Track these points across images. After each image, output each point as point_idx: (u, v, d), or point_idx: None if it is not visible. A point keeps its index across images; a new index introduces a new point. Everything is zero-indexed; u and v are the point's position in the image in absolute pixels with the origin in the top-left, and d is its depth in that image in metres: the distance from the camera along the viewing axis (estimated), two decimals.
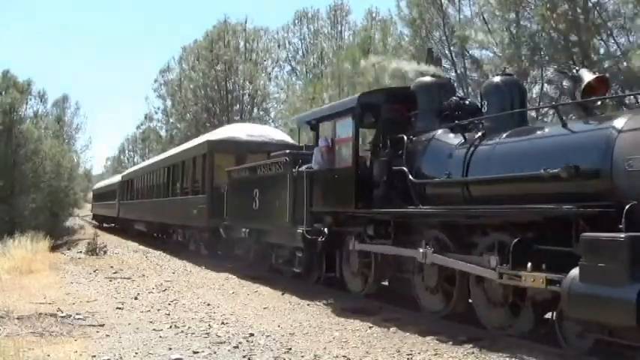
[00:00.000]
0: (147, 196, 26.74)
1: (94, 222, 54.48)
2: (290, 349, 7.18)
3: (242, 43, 39.11)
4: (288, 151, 13.00)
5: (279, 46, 38.86)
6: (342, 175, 10.25)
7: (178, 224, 21.05)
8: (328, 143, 10.83)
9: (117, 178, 39.98)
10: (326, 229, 10.73)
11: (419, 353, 6.98)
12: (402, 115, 9.96)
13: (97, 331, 8.05)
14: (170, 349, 7.08)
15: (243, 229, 14.20)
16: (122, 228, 36.23)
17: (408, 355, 6.91)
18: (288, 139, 18.46)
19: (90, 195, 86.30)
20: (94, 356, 6.65)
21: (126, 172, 38.94)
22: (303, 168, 11.50)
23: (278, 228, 12.53)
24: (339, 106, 10.90)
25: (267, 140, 17.47)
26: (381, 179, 9.55)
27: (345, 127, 10.25)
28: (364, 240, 9.95)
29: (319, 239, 10.72)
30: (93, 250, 20.76)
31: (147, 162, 32.35)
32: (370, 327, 8.50)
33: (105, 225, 46.11)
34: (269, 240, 13.33)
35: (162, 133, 49.44)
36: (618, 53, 14.71)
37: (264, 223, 13.25)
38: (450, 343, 7.42)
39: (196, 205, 17.96)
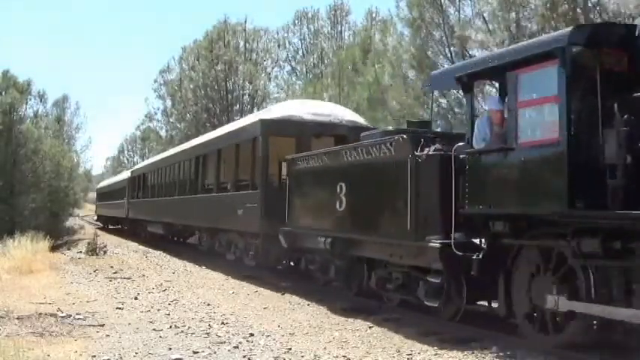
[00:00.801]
0: (165, 194, 23.13)
1: (98, 223, 52.22)
2: (290, 349, 7.19)
3: (242, 43, 39.13)
4: (405, 128, 9.82)
5: (279, 46, 38.91)
6: (537, 155, 6.63)
7: (209, 227, 17.37)
8: (502, 108, 7.40)
9: (125, 174, 37.10)
10: (483, 243, 7.41)
11: (419, 353, 6.98)
12: (626, 65, 6.69)
13: (97, 331, 8.05)
14: (170, 349, 7.08)
15: (322, 239, 10.40)
16: (132, 230, 32.64)
17: (408, 355, 6.92)
18: (361, 120, 14.77)
19: (91, 195, 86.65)
20: (94, 356, 6.65)
21: (137, 166, 35.79)
22: (432, 150, 8.06)
23: (385, 238, 8.91)
24: (526, 48, 7.02)
25: (336, 121, 13.66)
26: (620, 162, 5.98)
27: (541, 81, 6.69)
28: (565, 259, 6.45)
29: (475, 257, 7.27)
30: (93, 250, 20.76)
31: (164, 154, 27.31)
32: (370, 327, 8.50)
33: (110, 227, 43.95)
34: (364, 254, 9.74)
35: (162, 133, 49.43)
36: None
37: (356, 231, 9.68)
38: (450, 343, 7.42)
39: (242, 203, 14.13)
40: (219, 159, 16.84)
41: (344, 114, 14.38)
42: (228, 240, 15.94)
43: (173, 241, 25.13)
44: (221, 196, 16.23)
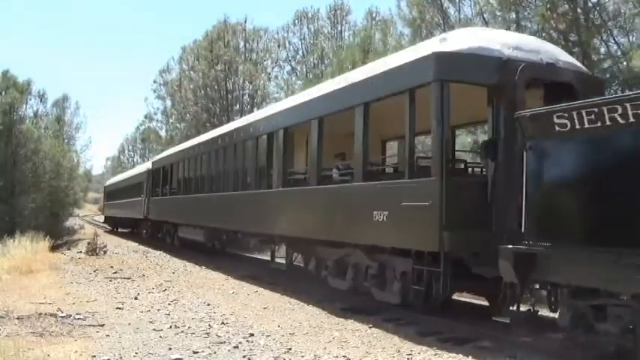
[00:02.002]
0: (207, 189, 17.75)
1: (105, 226, 47.08)
2: (290, 349, 7.19)
3: (242, 43, 39.10)
4: None
5: (279, 46, 38.81)
6: None
7: (302, 237, 11.65)
8: None
9: (143, 166, 31.81)
10: None
11: (419, 353, 6.98)
12: None
13: (97, 331, 8.05)
14: (170, 349, 7.08)
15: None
16: (153, 234, 27.30)
17: (408, 355, 6.92)
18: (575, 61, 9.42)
19: (91, 195, 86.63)
20: (94, 356, 6.65)
21: (159, 156, 28.50)
22: None
23: None
24: None
25: (555, 62, 8.52)
26: None
27: None
28: None
29: None
30: (93, 250, 20.76)
31: (201, 137, 20.98)
32: (370, 327, 8.50)
33: (121, 230, 39.71)
34: None
35: (162, 133, 49.43)
36: (618, 53, 14.72)
37: None
38: (450, 343, 7.43)
39: (386, 201, 8.84)
40: (320, 133, 10.87)
41: (557, 53, 9.13)
42: (343, 259, 10.64)
43: (219, 252, 20.22)
44: (335, 189, 10.55)
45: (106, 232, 41.02)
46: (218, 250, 20.33)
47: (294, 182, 12.36)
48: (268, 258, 15.41)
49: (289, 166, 12.83)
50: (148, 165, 29.54)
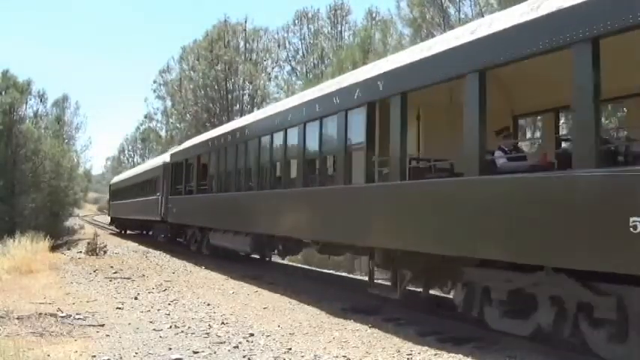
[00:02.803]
0: (263, 185, 13.79)
1: (111, 228, 43.05)
2: (290, 349, 7.19)
3: (242, 43, 39.18)
4: None
5: (279, 46, 38.89)
6: None
7: (428, 252, 8.02)
8: None
9: (159, 159, 27.16)
10: None
11: (419, 353, 6.98)
12: None
13: (97, 331, 8.05)
14: (170, 349, 7.08)
15: None
16: (172, 239, 23.96)
17: (408, 355, 6.91)
18: None
19: (91, 195, 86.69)
20: (94, 356, 6.65)
21: (181, 147, 23.18)
22: None
23: None
24: None
25: None
26: None
27: None
28: None
29: None
30: (93, 250, 20.75)
31: (248, 117, 17.00)
32: (370, 327, 8.50)
33: (130, 232, 36.59)
34: None
35: (162, 133, 49.46)
36: None
37: None
38: (450, 343, 7.43)
39: None
40: (481, 98, 7.09)
41: None
42: (526, 289, 6.92)
43: (269, 265, 17.18)
44: (526, 182, 6.62)
45: (111, 234, 37.69)
46: (268, 263, 17.64)
47: (416, 172, 8.55)
48: (353, 275, 15.50)
49: (409, 149, 8.63)
50: (164, 158, 24.97)
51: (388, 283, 9.47)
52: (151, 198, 25.86)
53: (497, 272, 7.17)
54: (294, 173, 12.15)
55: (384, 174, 9.10)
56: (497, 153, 7.86)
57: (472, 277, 7.62)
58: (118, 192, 39.35)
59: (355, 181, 9.61)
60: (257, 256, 17.19)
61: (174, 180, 21.78)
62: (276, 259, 17.26)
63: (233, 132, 15.92)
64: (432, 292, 9.18)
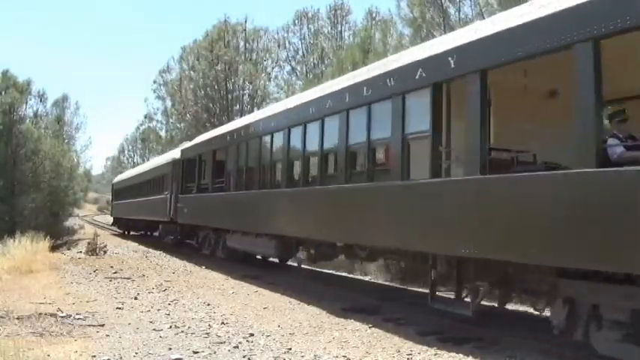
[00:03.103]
0: (294, 181, 12.29)
1: (114, 229, 41.44)
2: (290, 349, 7.19)
3: (242, 43, 39.16)
4: None
5: (279, 46, 38.87)
6: None
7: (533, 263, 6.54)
8: None
9: (165, 157, 25.89)
10: None
11: (419, 353, 6.98)
12: None
13: (97, 331, 8.05)
14: (170, 349, 7.08)
15: None
16: (183, 242, 22.33)
17: (408, 355, 6.92)
18: None
19: (91, 195, 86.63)
20: (94, 356, 6.65)
21: (194, 142, 21.14)
22: None
23: None
24: None
25: None
26: None
27: None
28: None
29: None
30: (93, 250, 20.75)
31: (276, 106, 14.81)
32: (370, 327, 8.51)
33: (133, 232, 35.32)
34: None
35: (162, 133, 49.46)
36: None
37: None
38: (450, 343, 7.43)
39: None
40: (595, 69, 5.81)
41: None
42: None
43: (299, 271, 15.21)
44: None
45: (113, 234, 36.73)
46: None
47: (496, 165, 7.14)
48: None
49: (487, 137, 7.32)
50: (173, 154, 23.22)
51: (451, 296, 8.10)
52: (158, 197, 24.19)
53: (611, 287, 5.86)
54: (332, 168, 10.69)
55: (451, 167, 7.94)
56: (612, 141, 6.42)
57: (576, 291, 6.26)
58: (121, 191, 37.73)
59: (415, 176, 8.27)
60: (276, 260, 16.35)
61: (185, 178, 20.13)
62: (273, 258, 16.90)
63: (256, 124, 14.32)
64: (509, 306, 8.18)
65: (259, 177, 13.88)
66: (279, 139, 12.91)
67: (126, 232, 36.59)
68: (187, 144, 22.03)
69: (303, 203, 11.57)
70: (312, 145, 11.31)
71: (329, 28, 36.85)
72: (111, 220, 52.63)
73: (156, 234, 28.98)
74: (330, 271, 16.40)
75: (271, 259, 16.83)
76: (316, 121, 11.09)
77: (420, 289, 9.88)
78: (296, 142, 12.06)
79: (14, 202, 28.94)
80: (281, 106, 13.75)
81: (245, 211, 14.32)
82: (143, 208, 28.01)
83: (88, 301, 10.56)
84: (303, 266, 14.72)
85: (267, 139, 13.54)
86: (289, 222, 12.08)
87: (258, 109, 35.25)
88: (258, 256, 16.38)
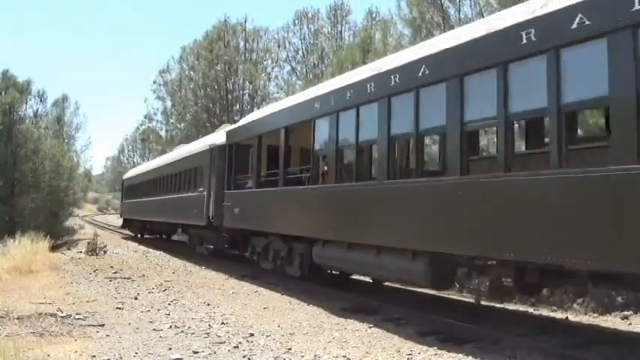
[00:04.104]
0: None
1: (125, 232, 36.14)
2: (290, 349, 7.19)
3: (242, 43, 39.18)
4: None
5: (279, 46, 38.89)
6: None
7: None
8: None
9: (200, 144, 20.31)
10: None
11: (419, 353, 6.98)
12: None
13: (97, 331, 8.05)
14: (170, 349, 7.08)
15: None
16: (227, 253, 17.09)
17: (408, 355, 6.92)
18: None
19: (91, 195, 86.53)
20: (94, 356, 6.65)
21: (248, 119, 16.44)
22: None
23: None
24: None
25: None
26: None
27: None
28: None
29: None
30: (93, 250, 20.74)
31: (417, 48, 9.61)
32: (370, 327, 8.51)
33: (147, 236, 30.66)
34: None
35: (162, 133, 49.45)
36: None
37: None
38: (450, 343, 7.43)
39: None
40: None
41: None
42: None
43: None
44: None
45: (113, 234, 35.36)
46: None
47: None
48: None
49: None
50: (211, 140, 18.77)
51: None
52: (189, 195, 19.62)
53: None
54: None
55: None
56: None
57: None
58: (134, 188, 32.62)
59: None
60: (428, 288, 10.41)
61: (233, 169, 15.58)
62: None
63: (381, 78, 9.29)
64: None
65: (392, 161, 9.33)
66: (437, 95, 8.02)
67: (139, 236, 31.86)
68: (237, 124, 16.93)
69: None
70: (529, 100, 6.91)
71: (329, 28, 36.87)
72: (111, 220, 52.47)
73: (176, 237, 25.80)
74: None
75: (408, 285, 11.54)
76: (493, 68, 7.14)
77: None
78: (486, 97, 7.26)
79: (14, 202, 28.93)
80: (424, 50, 8.72)
81: (359, 212, 9.65)
82: (166, 208, 23.12)
83: (88, 301, 10.56)
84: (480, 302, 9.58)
85: (409, 99, 8.54)
86: (475, 231, 7.21)
87: (258, 109, 35.26)
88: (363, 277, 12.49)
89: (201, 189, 18.34)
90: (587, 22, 5.95)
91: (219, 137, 17.79)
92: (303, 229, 11.62)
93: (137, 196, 31.30)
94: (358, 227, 9.70)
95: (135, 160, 68.03)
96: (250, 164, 14.81)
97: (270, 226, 13.16)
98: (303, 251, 12.06)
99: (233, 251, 16.35)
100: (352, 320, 9.02)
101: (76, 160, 48.97)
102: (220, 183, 16.48)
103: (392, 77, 8.98)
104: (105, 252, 21.01)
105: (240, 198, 15.07)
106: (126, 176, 38.57)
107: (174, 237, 28.37)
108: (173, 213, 21.99)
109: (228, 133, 16.61)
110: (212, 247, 18.03)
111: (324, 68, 33.23)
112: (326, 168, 11.23)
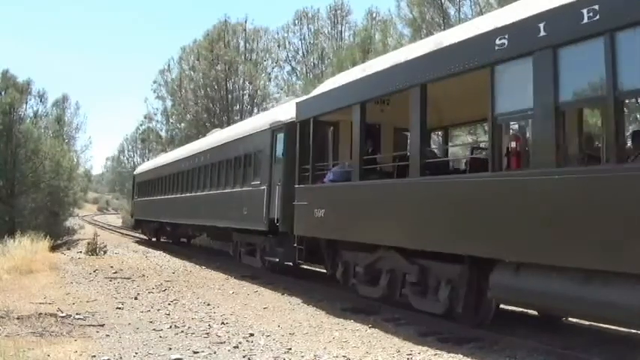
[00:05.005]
0: None
1: (139, 235, 32.58)
2: (290, 349, 7.18)
3: (242, 43, 39.18)
4: None
5: (279, 46, 38.85)
6: None
7: None
8: None
9: (259, 121, 15.42)
10: None
11: (419, 353, 6.98)
12: None
13: (97, 331, 8.05)
14: (170, 349, 7.07)
15: None
16: (301, 270, 14.34)
17: (408, 355, 6.92)
18: None
19: (90, 195, 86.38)
20: (94, 356, 6.64)
21: (337, 82, 11.08)
22: None
23: None
24: None
25: None
26: None
27: None
28: None
29: None
30: (93, 250, 20.74)
31: None
32: (370, 327, 8.51)
33: (163, 240, 27.17)
34: None
35: (162, 133, 49.41)
36: None
37: None
38: (450, 343, 7.43)
39: None
40: None
41: None
42: None
43: None
44: None
45: (112, 234, 33.64)
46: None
47: None
48: None
49: None
50: (274, 116, 14.11)
51: None
52: (238, 190, 15.49)
53: None
54: None
55: None
56: None
57: None
58: (149, 184, 28.38)
59: None
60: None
61: (312, 154, 11.30)
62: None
63: None
64: None
65: None
66: None
67: (155, 239, 28.07)
68: (317, 90, 12.26)
69: None
70: None
71: (329, 28, 36.84)
72: (111, 220, 52.32)
73: (199, 242, 22.97)
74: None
75: None
76: None
77: None
78: None
79: (14, 202, 28.96)
80: None
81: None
82: (198, 207, 19.16)
83: (88, 301, 10.56)
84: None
85: None
86: None
87: (259, 109, 35.28)
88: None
89: (256, 182, 14.20)
90: None
91: (282, 112, 13.61)
92: (473, 244, 7.25)
93: (154, 193, 26.84)
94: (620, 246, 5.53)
95: (135, 160, 67.93)
96: (346, 147, 11.33)
97: (387, 235, 8.90)
98: (455, 277, 7.94)
99: (307, 266, 12.72)
100: (352, 320, 9.02)
101: (76, 160, 48.96)
102: (289, 174, 12.37)
103: None
104: (105, 252, 21.01)
105: (326, 195, 10.82)
106: (138, 171, 34.01)
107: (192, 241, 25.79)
108: (209, 214, 17.81)
109: (301, 106, 12.11)
110: (276, 259, 13.27)
111: (324, 68, 33.22)
112: (514, 144, 7.57)
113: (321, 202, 10.82)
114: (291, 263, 12.86)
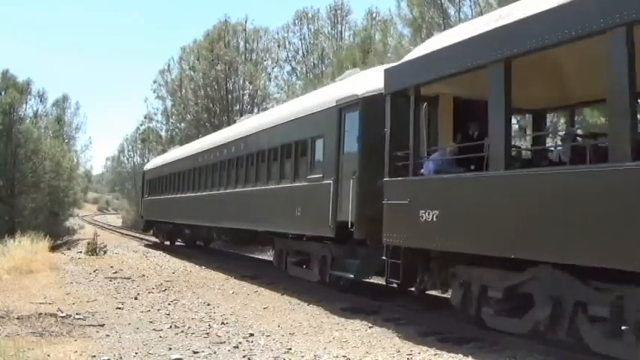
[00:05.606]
0: None
1: (149, 237, 30.37)
2: (290, 349, 7.18)
3: (242, 43, 39.16)
4: None
5: (279, 46, 38.84)
6: None
7: None
8: None
9: (318, 97, 12.45)
10: None
11: (419, 353, 6.98)
12: None
13: (97, 331, 8.04)
14: (170, 349, 7.07)
15: None
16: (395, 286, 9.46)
17: (408, 355, 6.91)
18: None
19: (90, 195, 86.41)
20: (94, 356, 6.64)
21: (443, 39, 8.23)
22: None
23: None
24: None
25: None
26: None
27: None
28: None
29: None
30: (93, 250, 20.73)
31: None
32: (370, 327, 8.50)
33: (179, 243, 24.61)
34: None
35: (162, 133, 49.40)
36: None
37: None
38: (450, 343, 7.42)
39: None
40: None
41: None
42: None
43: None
44: None
45: (112, 233, 32.56)
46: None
47: None
48: None
49: None
50: (346, 90, 10.93)
51: None
52: (281, 187, 12.95)
53: None
54: None
55: None
56: None
57: None
58: (158, 182, 25.74)
59: None
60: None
61: (419, 137, 8.43)
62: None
63: None
64: None
65: None
66: None
67: (169, 243, 25.37)
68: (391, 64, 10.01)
69: None
70: None
71: (329, 28, 36.82)
72: (111, 220, 52.26)
73: (217, 246, 21.05)
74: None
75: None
76: None
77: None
78: None
79: (14, 202, 28.98)
80: None
81: None
82: (229, 208, 16.28)
83: (88, 301, 10.56)
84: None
85: None
86: None
87: (259, 109, 35.25)
88: None
89: (316, 176, 11.39)
90: None
91: (354, 85, 10.83)
92: None
93: (164, 192, 24.01)
94: None
95: (135, 160, 67.91)
96: (444, 128, 8.81)
97: (554, 247, 5.96)
98: None
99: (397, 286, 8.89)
100: (352, 320, 9.01)
101: (76, 160, 49.00)
102: (369, 164, 9.70)
103: None
104: (105, 252, 21.01)
105: (440, 191, 7.88)
106: (149, 166, 30.19)
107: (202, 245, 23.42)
108: (242, 215, 15.03)
109: (391, 74, 9.01)
110: (350, 275, 10.42)
111: (324, 68, 33.22)
112: None
113: (431, 201, 7.83)
114: (369, 280, 10.23)
